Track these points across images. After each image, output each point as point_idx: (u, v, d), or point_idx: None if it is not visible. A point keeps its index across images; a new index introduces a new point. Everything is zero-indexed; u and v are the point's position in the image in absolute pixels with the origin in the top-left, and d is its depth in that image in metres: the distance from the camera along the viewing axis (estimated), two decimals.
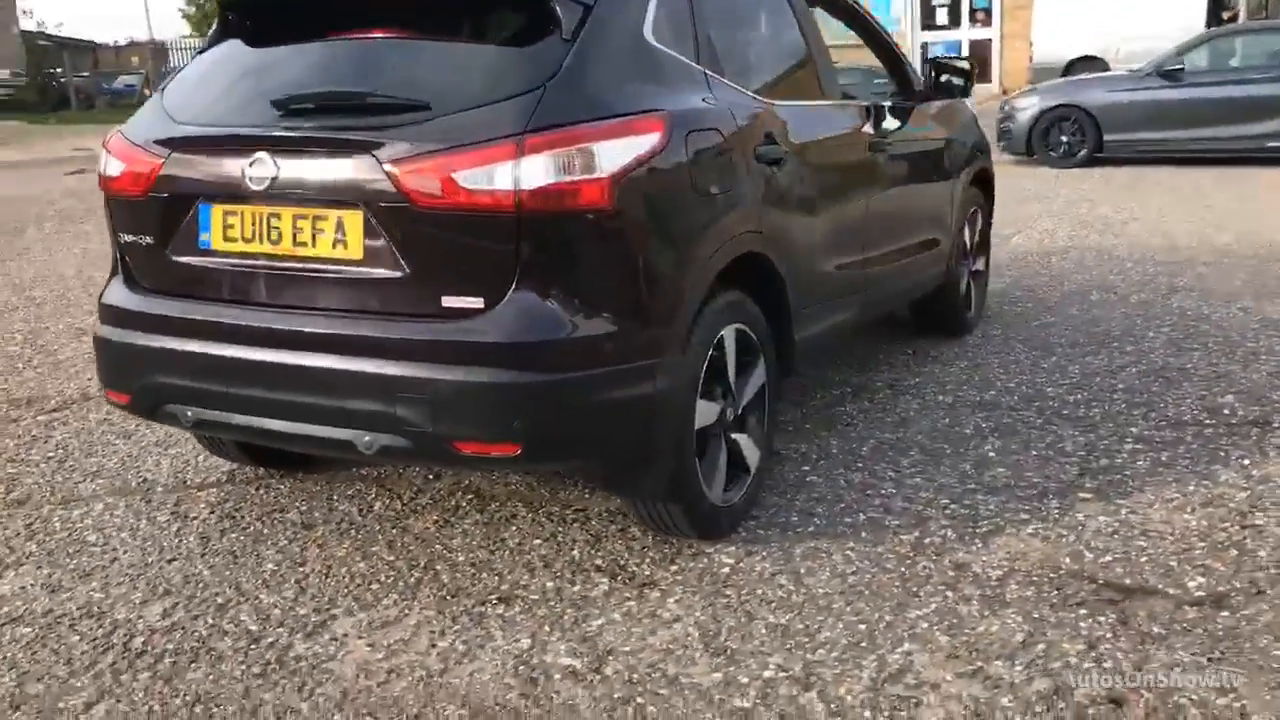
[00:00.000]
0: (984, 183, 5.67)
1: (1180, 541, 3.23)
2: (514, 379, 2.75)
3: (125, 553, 3.43)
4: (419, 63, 3.06)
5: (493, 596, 3.06)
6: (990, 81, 24.44)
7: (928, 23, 26.14)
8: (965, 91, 4.97)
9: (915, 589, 3.02)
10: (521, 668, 2.72)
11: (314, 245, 2.92)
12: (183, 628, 2.97)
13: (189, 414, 3.16)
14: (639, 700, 2.56)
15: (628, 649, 2.78)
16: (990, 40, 25.55)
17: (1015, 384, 4.78)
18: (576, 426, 2.87)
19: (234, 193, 2.99)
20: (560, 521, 3.50)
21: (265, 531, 3.53)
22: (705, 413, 3.19)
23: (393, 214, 2.80)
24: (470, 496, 3.72)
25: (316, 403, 2.93)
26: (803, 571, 3.14)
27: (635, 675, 2.66)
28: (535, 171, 2.70)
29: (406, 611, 3.00)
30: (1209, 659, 2.62)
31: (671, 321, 2.97)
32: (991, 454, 3.98)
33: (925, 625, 2.83)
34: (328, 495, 3.79)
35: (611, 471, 3.13)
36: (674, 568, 3.18)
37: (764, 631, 2.83)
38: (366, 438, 2.88)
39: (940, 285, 5.20)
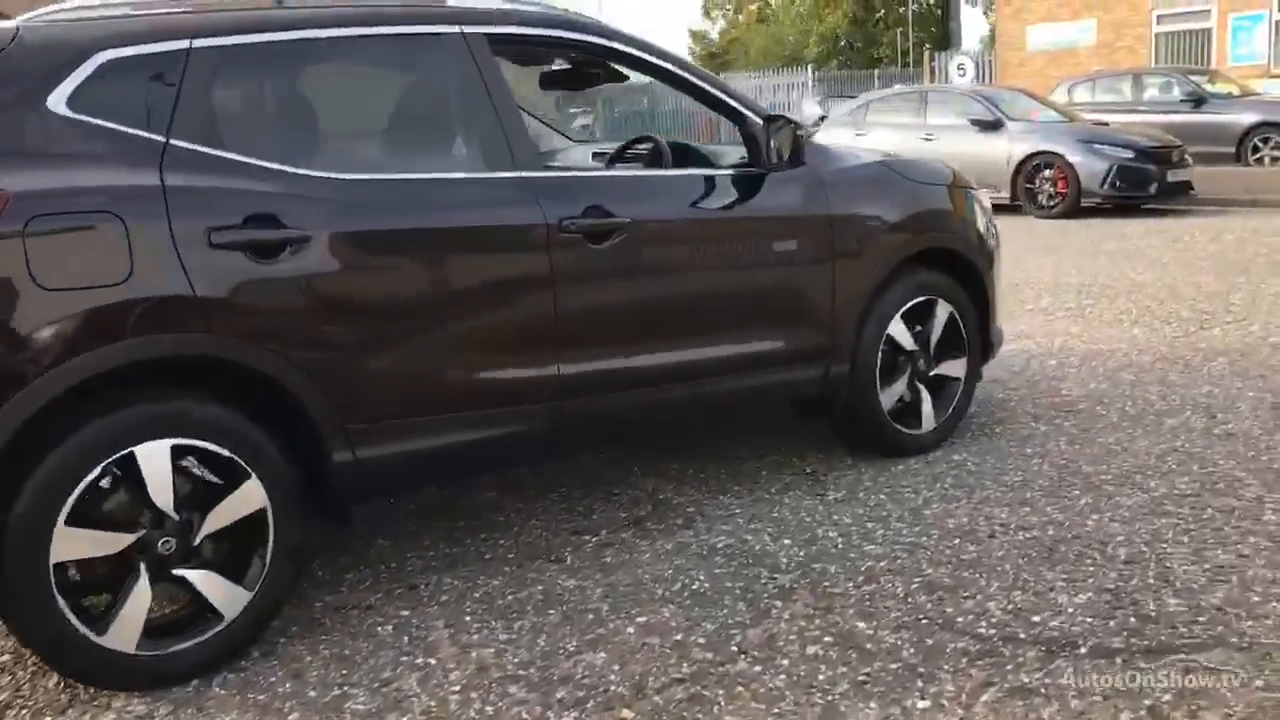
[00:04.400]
0: (952, 267, 4.43)
1: None
2: None
3: None
4: None
5: None
6: None
7: None
8: (792, 158, 3.88)
9: None
10: None
11: None
12: None
13: None
14: None
15: None
16: None
17: (833, 536, 3.68)
18: None
19: None
20: None
21: None
22: (86, 542, 2.74)
23: None
24: None
25: None
26: None
27: None
28: None
29: None
30: None
31: None
32: (602, 631, 3.09)
33: None
34: None
35: None
36: (95, 700, 2.80)
37: None
38: None
39: (822, 393, 4.13)
